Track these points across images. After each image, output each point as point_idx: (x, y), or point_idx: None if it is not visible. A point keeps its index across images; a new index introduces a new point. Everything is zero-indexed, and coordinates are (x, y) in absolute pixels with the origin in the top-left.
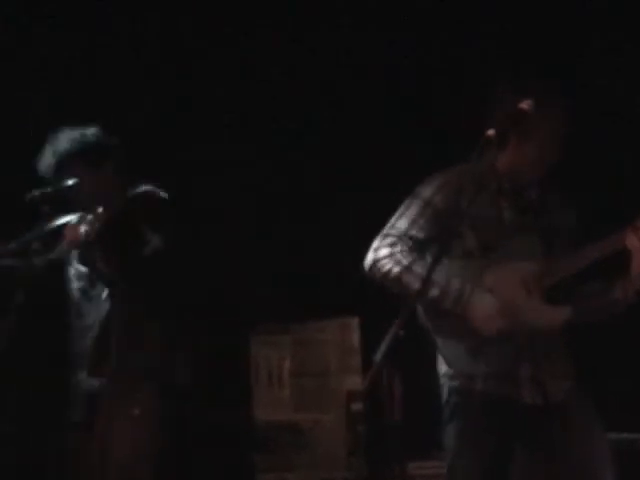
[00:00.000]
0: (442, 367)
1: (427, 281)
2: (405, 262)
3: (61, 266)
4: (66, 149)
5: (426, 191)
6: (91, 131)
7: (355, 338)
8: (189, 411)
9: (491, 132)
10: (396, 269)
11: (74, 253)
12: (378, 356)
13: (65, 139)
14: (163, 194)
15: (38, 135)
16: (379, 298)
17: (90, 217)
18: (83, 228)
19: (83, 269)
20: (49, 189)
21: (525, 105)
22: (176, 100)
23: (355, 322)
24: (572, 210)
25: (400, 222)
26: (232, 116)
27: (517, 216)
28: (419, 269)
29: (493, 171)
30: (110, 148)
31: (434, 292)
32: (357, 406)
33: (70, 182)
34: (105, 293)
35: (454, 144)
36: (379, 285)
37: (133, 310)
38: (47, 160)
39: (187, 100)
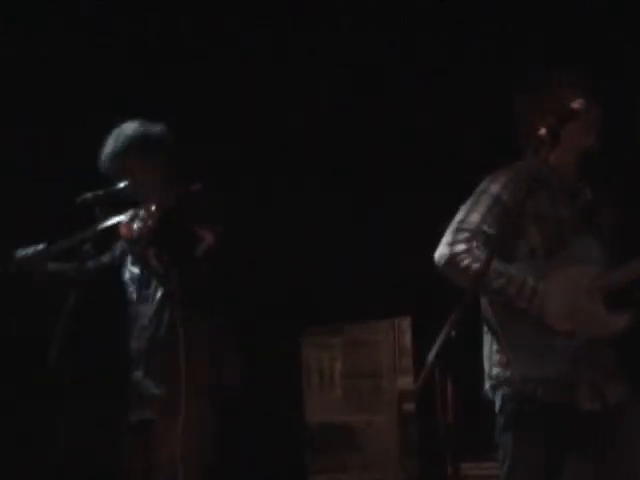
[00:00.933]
0: (494, 369)
1: (510, 278)
2: (483, 258)
3: (115, 269)
4: (128, 135)
5: (494, 187)
6: (152, 124)
7: (407, 338)
8: (241, 414)
9: (543, 132)
10: (476, 265)
11: (129, 255)
12: (430, 356)
13: (128, 128)
14: (215, 193)
15: (87, 138)
16: (430, 298)
17: (143, 214)
18: (136, 225)
19: (137, 271)
20: (101, 191)
21: (577, 104)
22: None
23: (407, 322)
24: (620, 210)
25: (473, 216)
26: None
27: (575, 217)
28: (499, 266)
29: (548, 170)
30: (169, 141)
31: (511, 290)
32: (409, 406)
33: (122, 184)
34: (159, 294)
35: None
36: (451, 280)
37: (186, 311)
38: (109, 147)
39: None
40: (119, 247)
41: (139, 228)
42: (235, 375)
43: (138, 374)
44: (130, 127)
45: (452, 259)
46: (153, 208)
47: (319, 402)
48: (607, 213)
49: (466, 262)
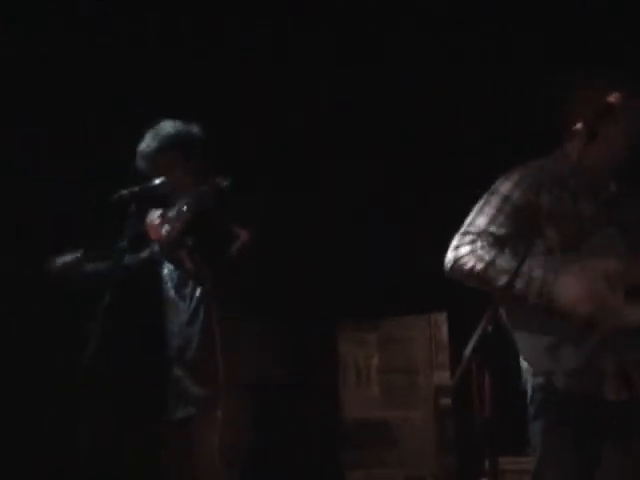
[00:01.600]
0: (524, 363)
1: (513, 274)
2: (488, 257)
3: (154, 265)
4: (169, 134)
5: (505, 187)
6: (193, 125)
7: (443, 333)
8: (279, 411)
9: (579, 126)
10: (479, 265)
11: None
12: (467, 351)
13: (169, 126)
14: (249, 191)
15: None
16: (467, 293)
17: (172, 215)
18: (165, 227)
19: (173, 267)
20: (136, 188)
21: (613, 98)
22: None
23: (443, 317)
24: None
25: (479, 219)
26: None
27: (597, 211)
28: (503, 263)
29: (571, 166)
30: (204, 140)
31: (519, 284)
32: (446, 402)
33: (157, 181)
34: (199, 292)
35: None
36: (460, 283)
37: (223, 310)
38: (147, 143)
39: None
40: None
41: (167, 232)
42: (273, 372)
43: (178, 371)
44: (168, 126)
45: (456, 263)
46: (184, 208)
47: (356, 398)
48: (634, 206)
49: (470, 264)
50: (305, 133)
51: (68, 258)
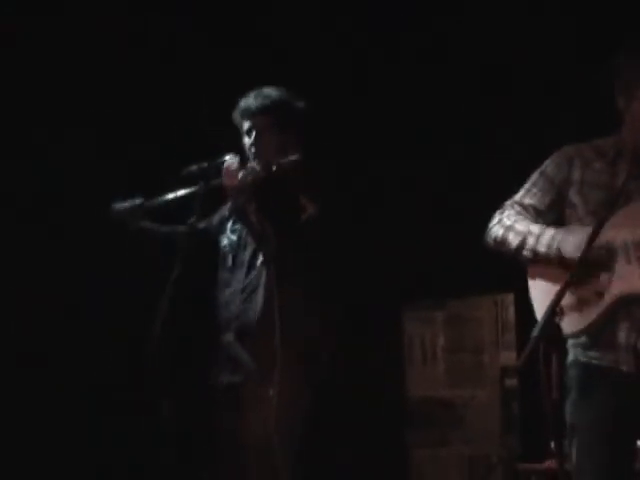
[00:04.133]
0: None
1: (526, 233)
2: (508, 222)
3: (210, 235)
4: (276, 96)
5: (545, 163)
6: (300, 100)
7: (510, 314)
8: (344, 389)
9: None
10: (501, 231)
11: (228, 223)
12: (535, 331)
13: (276, 90)
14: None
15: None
16: None
17: (249, 166)
18: (241, 173)
19: (234, 237)
20: (206, 164)
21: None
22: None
23: (510, 298)
24: None
25: (517, 194)
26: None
27: (631, 184)
28: (519, 227)
29: (617, 139)
30: (303, 114)
31: (530, 241)
32: (511, 382)
33: (227, 157)
34: (256, 259)
35: None
36: (497, 254)
37: (282, 278)
38: (251, 99)
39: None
40: (218, 216)
41: (244, 176)
42: (329, 343)
43: (229, 336)
44: (275, 90)
45: (487, 233)
46: (259, 167)
47: (421, 377)
48: None
49: (494, 232)
50: (377, 116)
51: (127, 204)
